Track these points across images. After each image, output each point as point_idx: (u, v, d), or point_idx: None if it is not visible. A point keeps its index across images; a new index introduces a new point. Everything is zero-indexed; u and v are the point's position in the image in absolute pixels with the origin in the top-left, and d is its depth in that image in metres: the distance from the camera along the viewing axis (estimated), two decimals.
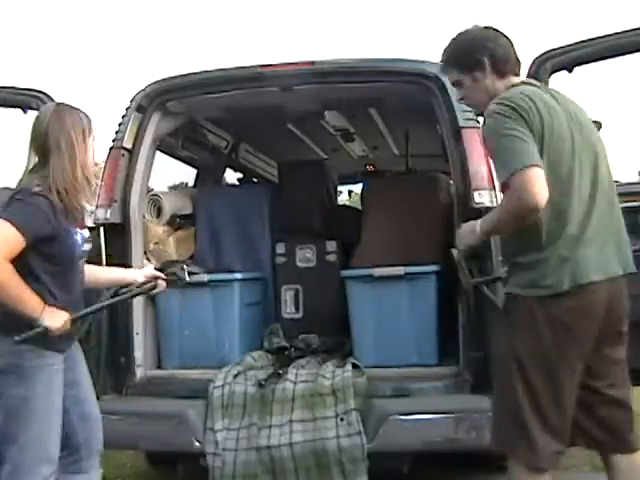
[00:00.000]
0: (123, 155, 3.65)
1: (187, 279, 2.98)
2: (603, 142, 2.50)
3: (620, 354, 2.41)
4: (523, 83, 2.46)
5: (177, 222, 4.34)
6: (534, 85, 2.46)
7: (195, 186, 5.28)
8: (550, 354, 2.27)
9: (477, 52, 2.43)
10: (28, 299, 2.41)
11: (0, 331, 2.48)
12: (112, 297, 2.92)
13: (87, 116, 2.60)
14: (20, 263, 2.39)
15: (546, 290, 2.26)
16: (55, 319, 2.46)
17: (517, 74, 2.48)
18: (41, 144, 2.51)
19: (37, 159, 2.53)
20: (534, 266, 2.29)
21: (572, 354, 2.29)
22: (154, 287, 2.89)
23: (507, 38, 2.49)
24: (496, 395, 2.47)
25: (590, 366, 2.33)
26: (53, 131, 2.50)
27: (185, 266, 3.03)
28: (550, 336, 2.26)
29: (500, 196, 2.65)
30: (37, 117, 2.59)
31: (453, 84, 2.61)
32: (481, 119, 3.34)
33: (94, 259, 3.56)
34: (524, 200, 2.14)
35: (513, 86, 2.41)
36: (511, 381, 2.32)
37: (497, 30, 2.49)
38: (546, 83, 3.19)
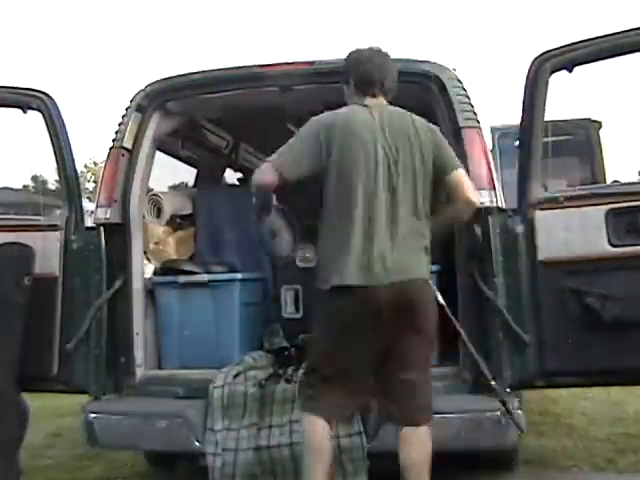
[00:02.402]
0: (123, 155, 3.65)
1: None
2: (429, 164, 2.82)
3: (412, 345, 2.77)
4: (362, 105, 2.89)
5: (177, 222, 4.34)
6: (365, 106, 2.88)
7: (195, 186, 5.28)
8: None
9: (346, 71, 3.00)
10: None
11: None
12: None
13: None
14: None
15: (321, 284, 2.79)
16: None
17: (375, 96, 2.91)
18: None
19: None
20: (320, 262, 2.91)
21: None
22: None
23: (379, 63, 2.91)
24: None
25: (384, 352, 2.76)
26: None
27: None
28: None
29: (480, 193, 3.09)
30: None
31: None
32: (481, 119, 3.42)
33: (94, 259, 3.59)
34: (255, 177, 2.96)
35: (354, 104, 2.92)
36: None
37: (373, 54, 2.93)
38: (546, 83, 3.21)
